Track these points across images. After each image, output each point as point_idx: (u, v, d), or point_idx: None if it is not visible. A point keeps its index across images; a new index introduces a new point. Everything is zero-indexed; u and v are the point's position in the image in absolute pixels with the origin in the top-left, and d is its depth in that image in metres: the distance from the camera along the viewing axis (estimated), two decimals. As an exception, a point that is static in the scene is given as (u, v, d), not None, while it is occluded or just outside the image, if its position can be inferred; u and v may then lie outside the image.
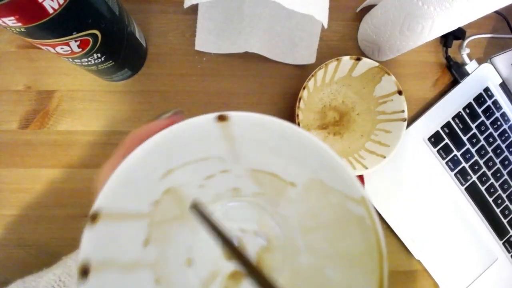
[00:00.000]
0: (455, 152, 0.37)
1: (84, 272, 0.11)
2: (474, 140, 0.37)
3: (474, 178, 0.37)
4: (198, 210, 0.15)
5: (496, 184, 0.38)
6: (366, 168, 0.30)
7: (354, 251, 0.15)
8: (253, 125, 0.13)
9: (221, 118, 0.12)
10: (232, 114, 0.12)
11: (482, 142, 0.37)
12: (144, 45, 0.32)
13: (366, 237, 0.13)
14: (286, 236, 0.21)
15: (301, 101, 0.30)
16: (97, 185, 0.14)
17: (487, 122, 0.37)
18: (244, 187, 0.20)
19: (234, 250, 0.13)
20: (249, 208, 0.22)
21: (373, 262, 0.13)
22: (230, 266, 0.21)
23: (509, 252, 0.37)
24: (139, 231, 0.15)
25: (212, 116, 0.12)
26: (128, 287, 0.14)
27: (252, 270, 0.12)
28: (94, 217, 0.12)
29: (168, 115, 0.13)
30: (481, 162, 0.37)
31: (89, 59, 0.25)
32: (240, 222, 0.21)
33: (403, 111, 0.30)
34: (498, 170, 0.38)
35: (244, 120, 0.13)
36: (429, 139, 0.36)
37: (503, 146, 0.38)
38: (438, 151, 0.36)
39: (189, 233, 0.20)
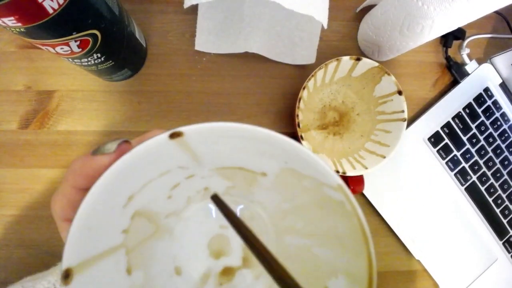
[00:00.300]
0: (455, 152, 0.37)
1: None
2: (474, 140, 0.37)
3: (474, 178, 0.37)
4: (217, 200, 0.15)
5: (496, 184, 0.38)
6: (366, 168, 0.30)
7: (337, 232, 0.15)
8: (208, 134, 0.13)
9: (174, 136, 0.12)
10: (184, 129, 0.12)
11: (482, 142, 0.37)
12: (144, 45, 0.32)
13: (348, 220, 0.13)
14: (266, 221, 0.21)
15: (301, 101, 0.30)
16: (54, 213, 0.14)
17: (487, 122, 0.37)
18: (213, 185, 0.20)
19: (250, 239, 0.13)
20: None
21: (359, 244, 0.13)
22: (220, 264, 0.21)
23: (509, 252, 0.37)
24: (118, 263, 0.15)
25: (164, 136, 0.12)
26: None
27: (267, 259, 0.12)
28: (67, 276, 0.11)
29: (114, 148, 0.13)
30: (481, 162, 0.37)
31: (89, 59, 0.25)
32: (219, 219, 0.21)
33: (403, 111, 0.30)
34: (498, 170, 0.38)
35: (198, 132, 0.12)
36: (429, 139, 0.36)
37: (503, 146, 0.38)
38: (438, 151, 0.36)
39: (170, 244, 0.20)
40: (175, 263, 0.20)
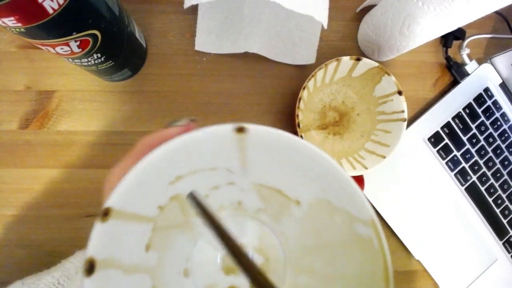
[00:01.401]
0: (455, 152, 0.37)
1: (90, 267, 0.11)
2: (474, 140, 0.37)
3: (474, 178, 0.37)
4: (195, 199, 0.15)
5: (496, 185, 0.38)
6: (366, 168, 0.30)
7: (356, 273, 0.15)
8: (268, 139, 0.13)
9: (240, 130, 0.12)
10: (251, 127, 0.12)
11: (482, 142, 0.37)
12: (144, 45, 0.32)
13: (372, 260, 0.13)
14: (286, 254, 0.21)
15: (301, 101, 0.30)
16: (106, 185, 0.14)
17: (487, 122, 0.37)
18: (247, 201, 0.20)
19: (229, 242, 0.13)
20: (252, 224, 0.21)
21: (378, 286, 0.13)
22: (227, 281, 0.20)
23: (509, 252, 0.37)
24: (143, 234, 0.15)
25: (231, 127, 0.12)
26: None
27: (247, 266, 0.12)
28: (106, 213, 0.12)
29: (183, 123, 0.14)
30: (481, 162, 0.37)
31: (89, 59, 0.25)
32: (242, 237, 0.21)
33: (403, 111, 0.30)
34: (498, 170, 0.38)
35: (261, 134, 0.13)
36: (429, 139, 0.36)
37: (503, 146, 0.38)
38: (438, 151, 0.36)
39: (189, 244, 0.20)
40: (187, 264, 0.20)
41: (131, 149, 0.14)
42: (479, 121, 0.37)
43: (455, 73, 0.37)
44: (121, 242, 0.13)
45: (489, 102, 0.37)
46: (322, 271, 0.18)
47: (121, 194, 0.12)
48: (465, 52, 0.37)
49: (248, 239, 0.21)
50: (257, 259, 0.21)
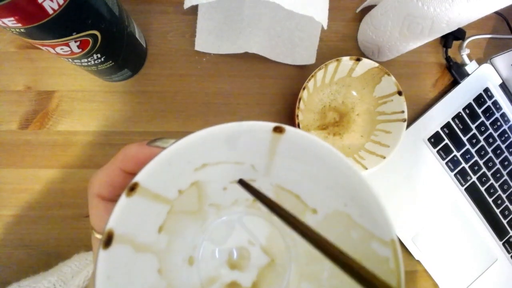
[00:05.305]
0: (455, 152, 0.37)
1: (108, 239, 0.11)
2: (474, 141, 0.37)
3: (474, 178, 0.37)
4: (244, 183, 0.15)
5: (496, 185, 0.38)
6: (366, 168, 0.30)
7: None
8: (302, 143, 0.13)
9: (278, 130, 0.12)
10: (288, 128, 0.12)
11: (482, 142, 0.37)
12: (144, 45, 0.32)
13: (386, 279, 0.13)
14: (292, 259, 0.21)
15: (301, 101, 0.30)
16: (90, 189, 0.14)
17: (487, 123, 0.37)
18: None
19: (282, 212, 0.13)
20: (262, 223, 0.21)
21: None
22: (231, 276, 0.20)
23: (509, 252, 0.37)
24: (159, 215, 0.15)
25: (270, 125, 0.12)
26: (135, 269, 0.14)
27: (304, 230, 0.11)
28: (133, 188, 0.12)
29: (168, 146, 0.14)
30: (481, 162, 0.37)
31: (89, 59, 0.25)
32: (251, 234, 0.21)
33: (403, 112, 0.30)
34: (498, 170, 0.38)
35: (295, 137, 0.13)
36: (429, 139, 0.36)
37: (503, 146, 0.38)
38: (438, 151, 0.36)
39: (198, 233, 0.20)
40: (193, 253, 0.20)
41: (115, 156, 0.14)
42: (479, 121, 0.37)
43: (455, 73, 0.37)
44: (139, 220, 0.13)
45: (489, 103, 0.37)
46: (327, 282, 0.18)
47: (150, 171, 0.12)
48: (465, 53, 0.37)
49: (257, 237, 0.21)
50: (263, 258, 0.21)
